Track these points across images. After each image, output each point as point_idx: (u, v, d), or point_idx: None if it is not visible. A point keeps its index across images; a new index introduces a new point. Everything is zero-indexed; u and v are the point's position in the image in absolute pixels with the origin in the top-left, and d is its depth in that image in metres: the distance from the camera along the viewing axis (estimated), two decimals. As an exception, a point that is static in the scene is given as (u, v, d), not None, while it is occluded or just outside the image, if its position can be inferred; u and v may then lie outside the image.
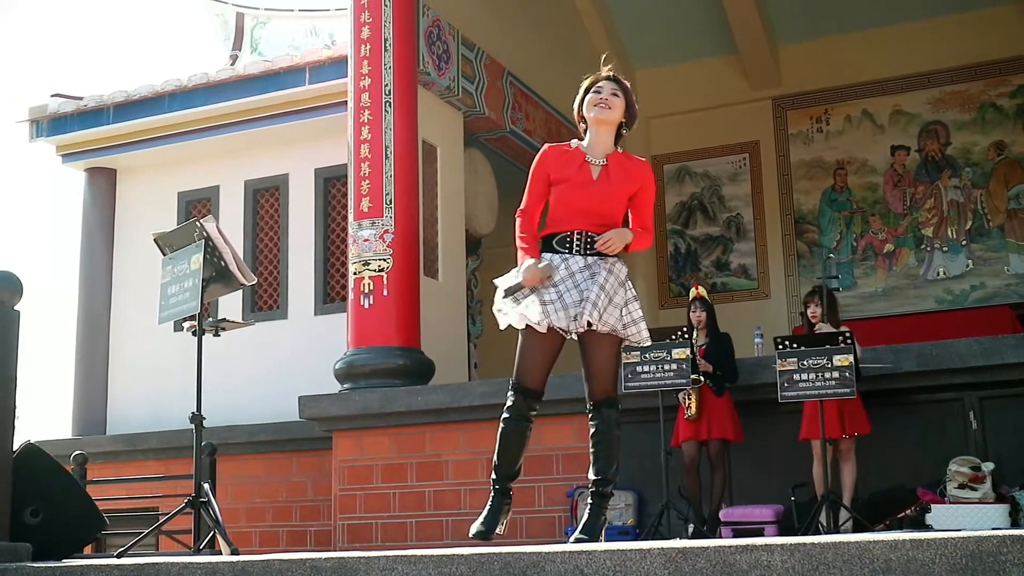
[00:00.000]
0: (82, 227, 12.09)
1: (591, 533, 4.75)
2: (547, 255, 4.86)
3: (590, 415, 4.89)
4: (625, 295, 4.86)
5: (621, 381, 7.63)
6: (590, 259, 4.83)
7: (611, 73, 5.14)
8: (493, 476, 4.92)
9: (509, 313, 4.86)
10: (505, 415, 4.90)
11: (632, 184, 4.99)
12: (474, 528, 4.80)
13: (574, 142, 5.10)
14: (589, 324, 4.72)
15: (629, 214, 5.05)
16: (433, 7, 10.27)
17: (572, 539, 4.72)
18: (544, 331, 4.75)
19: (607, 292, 4.76)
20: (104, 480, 9.45)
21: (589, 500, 4.86)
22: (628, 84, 5.18)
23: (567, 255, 4.83)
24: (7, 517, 5.03)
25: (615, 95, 5.05)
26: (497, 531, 4.84)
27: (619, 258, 4.93)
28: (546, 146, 5.14)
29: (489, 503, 4.89)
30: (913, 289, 14.01)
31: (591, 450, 4.86)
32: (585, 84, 5.13)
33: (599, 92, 5.05)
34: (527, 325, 4.78)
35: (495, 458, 4.92)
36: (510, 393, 4.91)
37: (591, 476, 4.86)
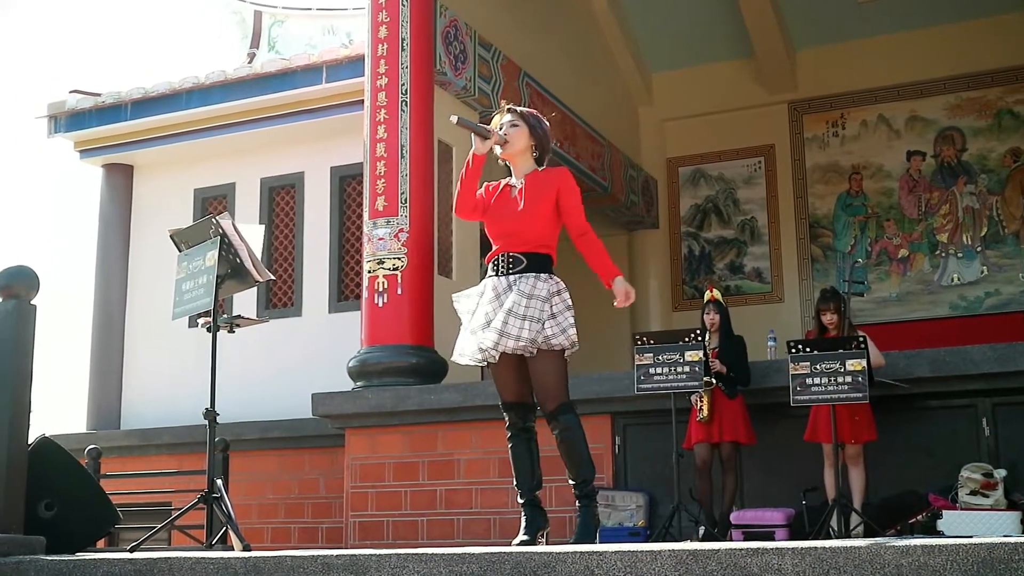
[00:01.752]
0: (99, 223, 12.14)
1: (587, 534, 4.86)
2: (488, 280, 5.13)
3: (549, 425, 5.04)
4: (549, 310, 4.97)
5: (634, 383, 7.71)
6: (512, 278, 5.03)
7: (508, 106, 5.33)
8: (518, 493, 5.12)
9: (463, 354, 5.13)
10: (507, 434, 5.17)
11: (548, 193, 5.14)
12: (516, 540, 4.94)
13: (504, 180, 5.33)
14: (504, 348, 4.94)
15: (562, 219, 5.19)
16: (450, 7, 10.29)
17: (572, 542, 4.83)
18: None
19: (516, 313, 4.90)
20: (118, 474, 9.50)
21: (577, 504, 5.00)
22: (529, 110, 5.40)
23: (493, 276, 5.07)
24: (22, 510, 5.07)
25: (514, 125, 5.23)
26: (540, 540, 4.97)
27: (549, 275, 5.08)
28: (485, 184, 5.38)
29: (523, 518, 5.06)
30: (927, 295, 13.99)
31: (562, 458, 5.05)
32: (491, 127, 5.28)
33: (500, 130, 5.22)
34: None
35: (514, 477, 5.14)
36: (503, 413, 5.17)
37: (570, 482, 5.04)
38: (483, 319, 5.00)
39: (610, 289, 5.17)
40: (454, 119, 5.20)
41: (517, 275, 5.01)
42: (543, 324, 4.92)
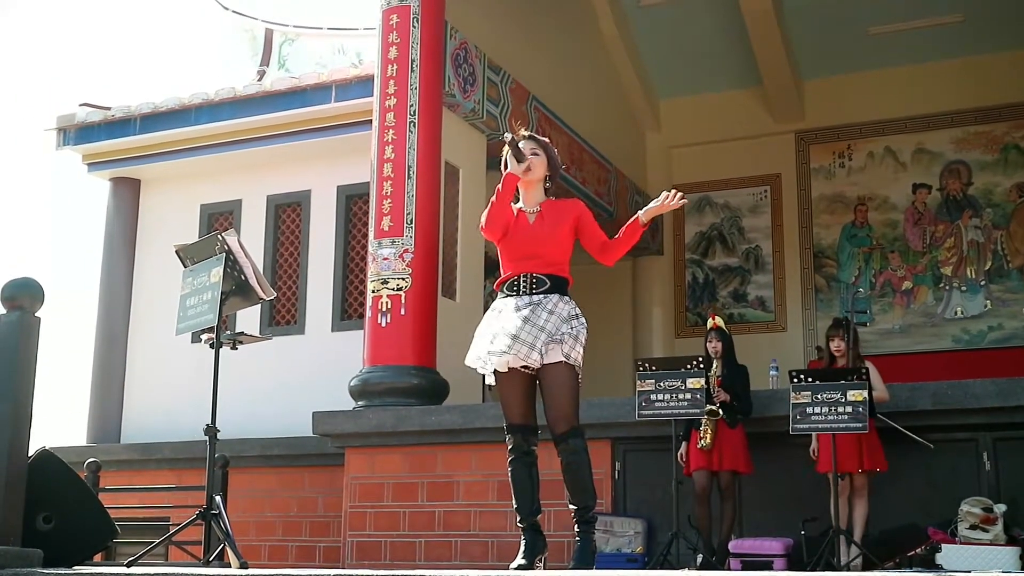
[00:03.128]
0: (104, 236, 12.17)
1: (585, 560, 4.87)
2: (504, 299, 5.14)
3: (557, 447, 5.05)
4: (566, 329, 5.02)
5: (636, 409, 7.71)
6: (535, 297, 5.08)
7: (528, 133, 5.37)
8: (518, 517, 5.10)
9: (485, 363, 5.08)
10: (509, 457, 5.17)
11: (568, 219, 5.25)
12: (514, 564, 4.93)
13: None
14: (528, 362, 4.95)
15: (586, 243, 5.30)
16: (461, 30, 10.34)
17: (571, 567, 4.83)
18: (505, 371, 5.01)
19: (535, 323, 4.96)
20: (117, 488, 9.48)
21: (576, 529, 5.00)
22: (546, 139, 5.47)
23: (515, 296, 5.11)
24: (20, 523, 5.07)
25: (535, 154, 5.28)
26: (538, 564, 4.96)
27: (568, 297, 5.16)
28: None
29: (523, 542, 5.05)
30: (930, 327, 13.98)
31: (565, 482, 5.07)
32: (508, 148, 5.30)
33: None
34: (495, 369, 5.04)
35: (513, 500, 5.13)
36: (507, 435, 5.17)
37: (571, 506, 5.05)
38: (500, 329, 5.00)
39: (648, 224, 5.20)
40: (507, 136, 5.21)
41: (541, 295, 5.07)
42: (561, 340, 4.96)
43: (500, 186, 5.17)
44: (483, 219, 5.19)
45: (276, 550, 9.97)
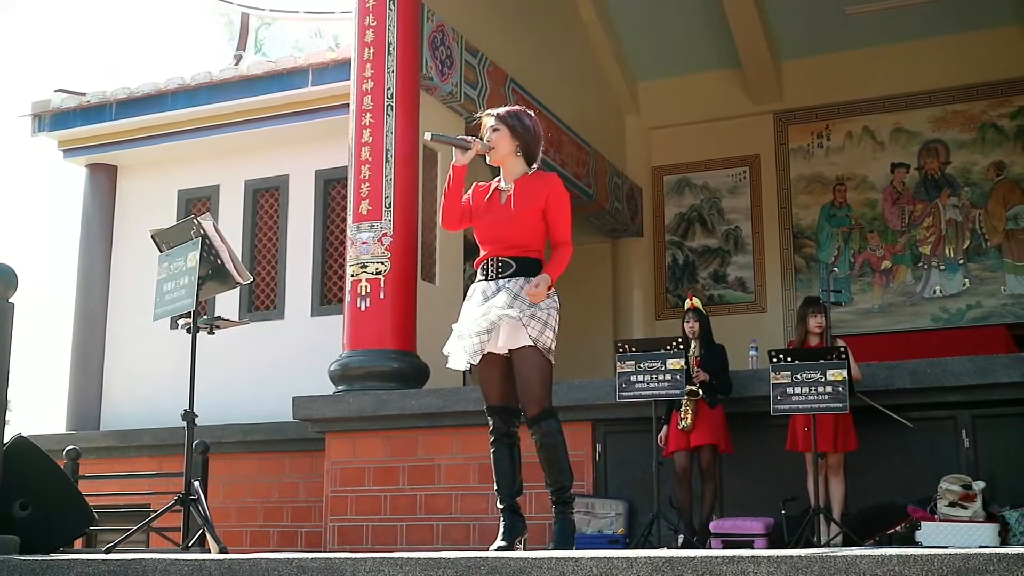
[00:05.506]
0: (82, 223, 12.10)
1: (564, 541, 4.90)
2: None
3: (530, 430, 5.04)
4: (532, 312, 4.97)
5: (616, 391, 7.72)
6: (501, 282, 5.04)
7: (488, 111, 5.31)
8: (498, 499, 5.11)
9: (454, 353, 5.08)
10: (490, 439, 5.17)
11: (537, 199, 5.12)
12: (494, 545, 4.94)
13: (497, 179, 5.30)
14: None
15: (549, 233, 5.19)
16: (437, 12, 10.29)
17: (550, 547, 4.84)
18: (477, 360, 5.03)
19: (502, 311, 4.93)
20: (96, 476, 9.44)
21: (553, 511, 5.01)
22: (510, 110, 5.31)
23: (483, 280, 5.10)
24: (-4, 509, 5.04)
25: (495, 130, 5.19)
26: (518, 546, 4.96)
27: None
28: (475, 184, 5.38)
29: (502, 523, 5.06)
30: (909, 306, 14.03)
31: (541, 463, 5.05)
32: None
33: (483, 138, 5.23)
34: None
35: (495, 482, 5.14)
36: (487, 417, 5.17)
37: (547, 488, 5.05)
38: (471, 322, 4.99)
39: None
40: (427, 136, 5.21)
41: (507, 279, 5.03)
42: (526, 324, 4.93)
43: (447, 182, 5.15)
44: (437, 214, 5.18)
45: (258, 535, 9.96)
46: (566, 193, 5.24)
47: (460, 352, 5.00)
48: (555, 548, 4.85)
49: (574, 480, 5.14)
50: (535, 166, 5.24)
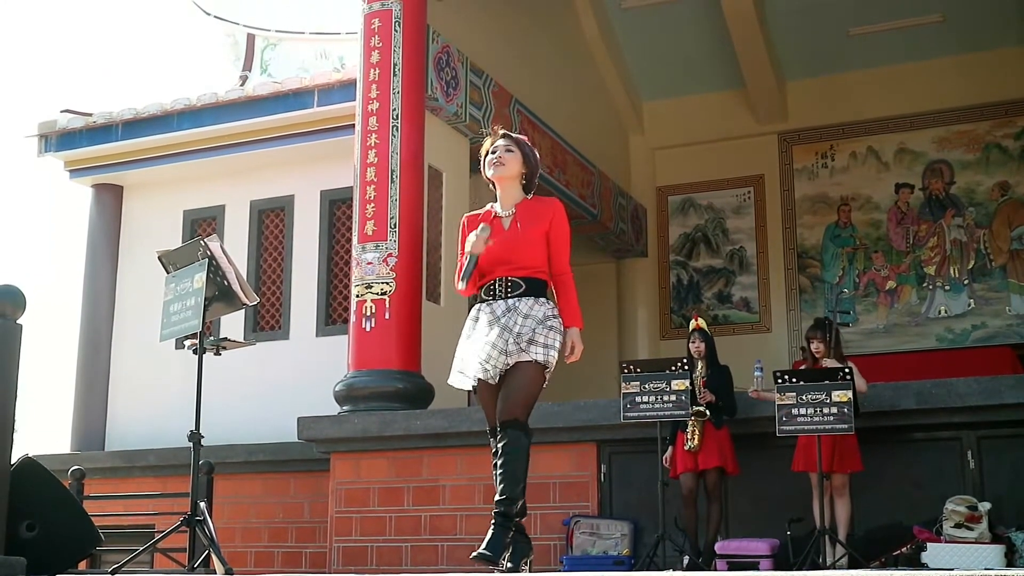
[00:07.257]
0: (87, 243, 12.12)
1: (494, 550, 4.85)
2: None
3: (498, 435, 5.06)
4: (541, 331, 5.03)
5: (621, 411, 7.71)
6: (510, 301, 5.09)
7: (502, 131, 5.39)
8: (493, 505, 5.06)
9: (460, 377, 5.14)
10: (493, 460, 5.11)
11: (541, 222, 5.21)
12: (474, 554, 4.90)
13: (489, 205, 5.37)
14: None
15: (550, 260, 5.24)
16: (443, 34, 10.33)
17: (474, 555, 4.82)
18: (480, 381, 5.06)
19: (513, 331, 4.98)
20: (101, 496, 9.43)
21: (492, 521, 4.95)
22: (523, 138, 5.43)
23: (491, 301, 5.12)
24: (3, 531, 5.03)
25: (509, 151, 5.27)
26: (523, 568, 4.98)
27: (546, 299, 5.17)
28: (464, 216, 5.45)
29: (490, 530, 4.97)
30: (914, 327, 14.03)
31: (496, 471, 5.03)
32: (484, 149, 5.35)
33: (494, 152, 5.28)
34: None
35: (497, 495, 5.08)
36: (489, 438, 5.17)
37: (496, 497, 5.00)
38: (480, 342, 5.01)
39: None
40: (461, 286, 5.18)
41: (516, 298, 5.08)
42: (535, 342, 4.97)
43: (465, 263, 5.17)
44: (456, 283, 5.21)
45: (262, 556, 9.95)
46: (566, 219, 5.33)
47: (477, 368, 4.99)
48: (478, 557, 4.80)
49: (523, 498, 5.03)
50: (531, 194, 5.34)
